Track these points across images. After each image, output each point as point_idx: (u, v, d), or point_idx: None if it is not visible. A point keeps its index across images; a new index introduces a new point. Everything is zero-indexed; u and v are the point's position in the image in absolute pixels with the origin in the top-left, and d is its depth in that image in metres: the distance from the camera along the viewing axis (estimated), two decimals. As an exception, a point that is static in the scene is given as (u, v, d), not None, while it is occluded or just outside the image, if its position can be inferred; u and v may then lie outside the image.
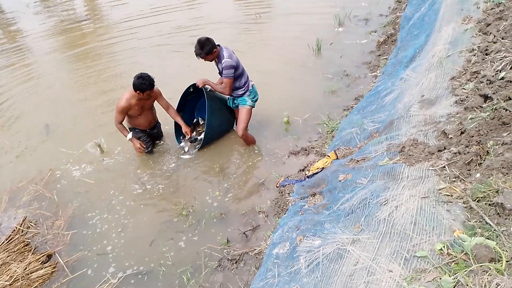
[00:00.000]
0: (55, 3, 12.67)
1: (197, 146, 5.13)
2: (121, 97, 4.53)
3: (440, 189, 2.19)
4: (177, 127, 5.14)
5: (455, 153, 2.46)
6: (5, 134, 5.93)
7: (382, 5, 8.77)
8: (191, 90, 4.87)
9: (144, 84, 4.30)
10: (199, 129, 5.39)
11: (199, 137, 5.24)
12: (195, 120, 5.54)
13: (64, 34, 9.89)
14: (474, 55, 3.39)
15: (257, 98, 4.84)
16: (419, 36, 4.98)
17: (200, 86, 4.51)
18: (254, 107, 4.82)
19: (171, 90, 5.36)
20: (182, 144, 5.18)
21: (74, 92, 6.98)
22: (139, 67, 7.10)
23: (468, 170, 2.30)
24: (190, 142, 5.18)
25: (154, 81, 4.41)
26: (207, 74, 4.72)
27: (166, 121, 5.30)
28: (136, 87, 4.32)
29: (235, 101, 4.83)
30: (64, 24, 10.54)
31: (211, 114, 4.76)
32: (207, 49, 4.21)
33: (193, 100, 5.20)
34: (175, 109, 4.93)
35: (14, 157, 5.41)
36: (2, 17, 11.84)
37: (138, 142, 4.89)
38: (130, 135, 4.83)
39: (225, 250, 3.67)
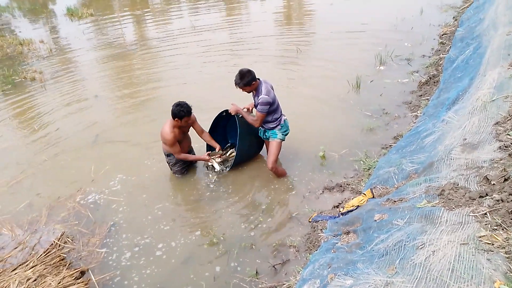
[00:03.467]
0: (108, 31, 13.43)
1: (227, 167, 5.30)
2: (164, 131, 4.73)
3: (480, 237, 2.12)
4: (209, 148, 5.35)
5: (498, 201, 2.38)
6: (49, 150, 6.22)
7: (425, 46, 8.75)
8: (224, 114, 5.06)
9: (182, 112, 4.55)
10: (230, 153, 5.52)
11: (229, 160, 5.41)
12: (228, 144, 5.65)
13: (113, 57, 10.44)
14: (521, 101, 3.32)
15: (288, 132, 4.91)
16: (463, 78, 4.92)
17: (232, 114, 4.65)
18: (284, 140, 4.89)
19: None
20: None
21: (118, 112, 7.29)
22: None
23: (511, 219, 2.21)
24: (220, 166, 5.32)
25: (191, 108, 4.65)
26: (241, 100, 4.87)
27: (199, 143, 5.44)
28: (175, 114, 4.57)
29: (266, 133, 4.91)
30: (113, 49, 11.14)
31: (242, 139, 4.88)
32: (246, 80, 4.37)
33: (225, 119, 5.32)
34: (208, 130, 5.19)
35: (51, 172, 5.67)
36: (59, 42, 12.65)
37: (207, 155, 5.16)
38: (205, 155, 5.18)
39: (254, 282, 3.64)
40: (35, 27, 15.12)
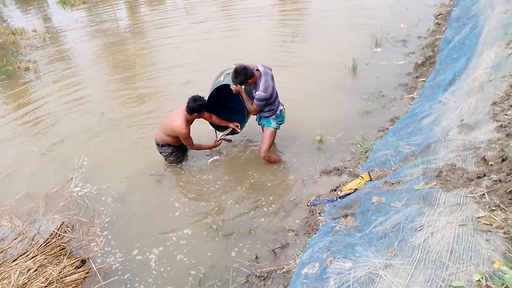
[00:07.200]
0: (101, 18, 13.24)
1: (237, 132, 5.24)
2: (177, 125, 4.65)
3: (479, 218, 2.12)
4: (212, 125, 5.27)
5: (496, 181, 2.38)
6: (43, 140, 6.21)
7: (421, 27, 8.67)
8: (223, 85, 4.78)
9: (202, 105, 4.57)
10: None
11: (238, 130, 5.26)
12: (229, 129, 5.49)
13: (106, 45, 10.32)
14: (518, 81, 3.29)
15: (283, 123, 4.88)
16: (459, 59, 4.88)
17: (234, 91, 4.56)
18: (278, 129, 4.86)
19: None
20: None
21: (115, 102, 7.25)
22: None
23: (510, 199, 2.21)
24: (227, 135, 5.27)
25: (205, 99, 4.66)
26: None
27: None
28: (195, 110, 4.56)
29: (261, 120, 4.91)
30: (108, 35, 11.00)
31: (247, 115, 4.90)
32: (240, 79, 4.32)
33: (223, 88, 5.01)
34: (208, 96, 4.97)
35: (46, 161, 5.68)
36: (52, 30, 12.47)
37: (218, 141, 5.19)
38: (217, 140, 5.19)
39: (253, 266, 3.66)
40: (27, 16, 14.92)
